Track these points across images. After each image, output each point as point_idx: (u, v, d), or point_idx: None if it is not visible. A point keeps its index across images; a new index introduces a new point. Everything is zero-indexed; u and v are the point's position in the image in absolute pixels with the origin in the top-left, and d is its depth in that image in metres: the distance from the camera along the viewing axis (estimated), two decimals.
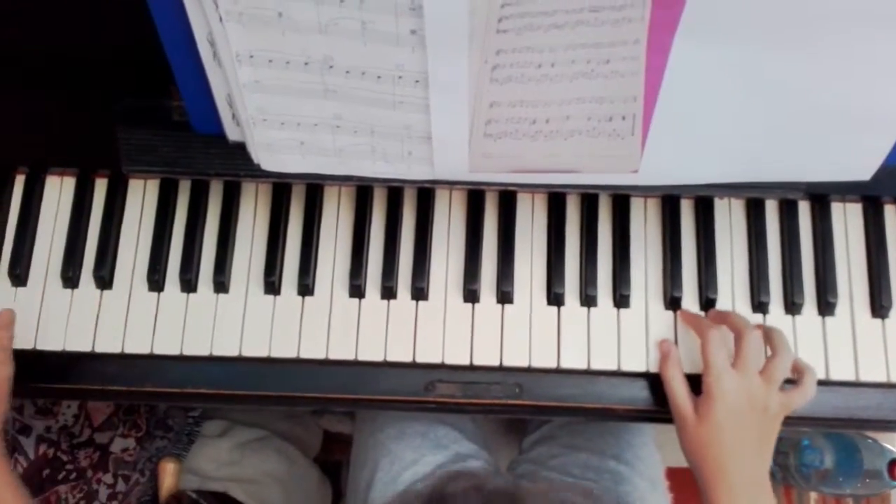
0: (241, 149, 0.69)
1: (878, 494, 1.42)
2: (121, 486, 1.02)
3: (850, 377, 0.77)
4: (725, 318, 0.75)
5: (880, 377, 0.77)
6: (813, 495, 1.52)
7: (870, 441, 1.29)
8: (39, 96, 0.79)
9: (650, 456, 0.94)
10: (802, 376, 0.73)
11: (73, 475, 1.03)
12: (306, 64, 0.59)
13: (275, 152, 0.67)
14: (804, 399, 0.72)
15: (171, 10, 0.58)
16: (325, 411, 1.36)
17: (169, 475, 1.01)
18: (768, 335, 0.74)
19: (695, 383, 0.74)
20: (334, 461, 1.47)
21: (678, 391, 0.73)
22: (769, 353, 0.74)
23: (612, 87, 0.59)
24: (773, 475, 1.50)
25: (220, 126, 0.68)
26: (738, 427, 0.70)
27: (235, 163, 0.70)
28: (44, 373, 0.77)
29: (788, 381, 0.73)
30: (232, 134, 0.69)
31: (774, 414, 0.71)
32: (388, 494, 0.89)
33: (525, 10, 0.54)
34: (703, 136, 0.64)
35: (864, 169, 0.66)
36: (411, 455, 0.90)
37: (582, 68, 0.58)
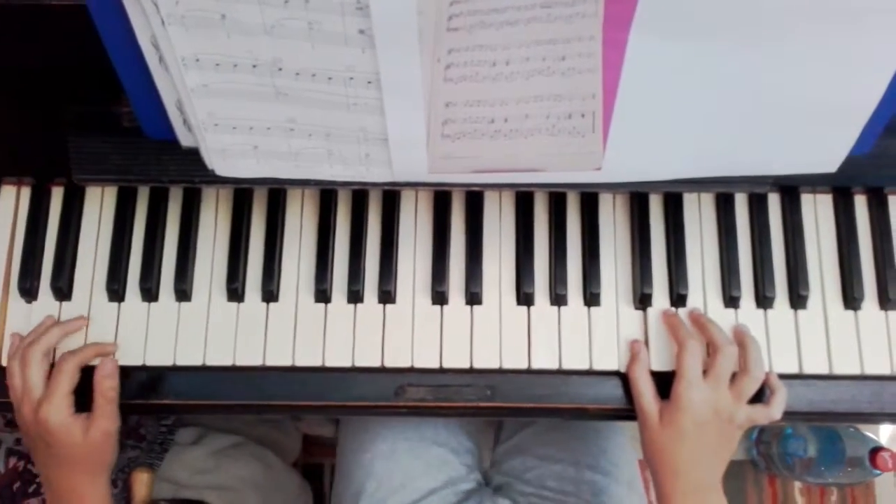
0: (195, 154, 0.67)
1: (861, 483, 1.42)
2: None
3: (824, 370, 0.76)
4: (705, 329, 0.74)
5: (854, 369, 0.76)
6: (797, 484, 1.52)
7: (852, 430, 1.29)
8: None
9: (624, 459, 0.94)
10: (772, 396, 0.73)
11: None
12: (254, 66, 0.57)
13: (228, 157, 0.65)
14: (769, 419, 0.72)
15: (112, 14, 0.56)
16: (300, 416, 1.35)
17: (141, 485, 0.99)
18: (745, 348, 0.74)
19: (662, 381, 0.73)
20: (315, 464, 1.46)
21: (644, 393, 0.73)
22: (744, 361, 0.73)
23: (569, 85, 0.58)
24: (756, 465, 1.50)
25: (172, 132, 0.66)
26: (700, 436, 0.70)
27: (190, 168, 0.69)
28: (5, 386, 0.75)
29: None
30: (185, 139, 0.67)
31: (738, 424, 0.72)
32: None
33: (475, 7, 0.52)
34: (665, 131, 0.62)
35: (829, 161, 0.65)
36: (399, 478, 0.88)
37: (537, 66, 0.56)
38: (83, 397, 0.71)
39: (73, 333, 0.75)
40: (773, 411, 0.72)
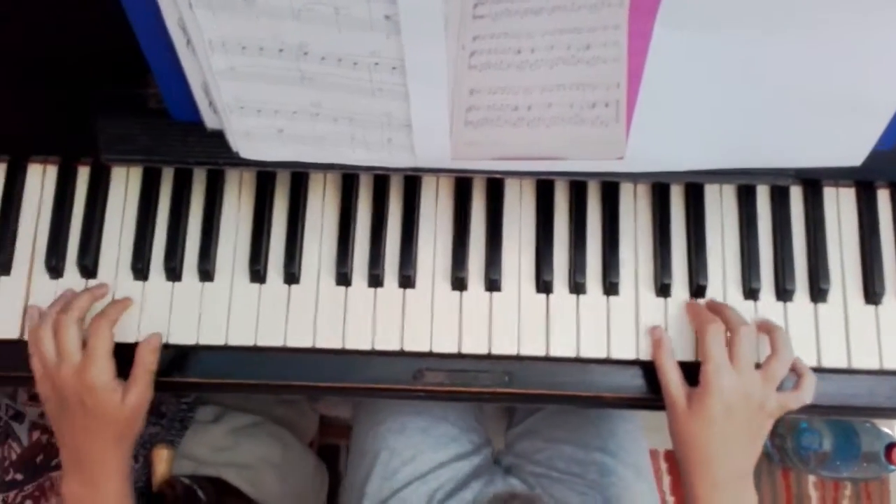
0: (220, 136, 0.68)
1: (877, 478, 1.42)
2: None
3: (843, 364, 0.76)
4: (720, 311, 0.73)
5: (873, 364, 0.76)
6: (811, 478, 1.52)
7: (868, 425, 1.29)
8: (20, 85, 0.78)
9: (634, 444, 0.94)
10: (801, 380, 0.72)
11: None
12: (281, 51, 0.58)
13: (253, 140, 0.66)
14: (800, 403, 0.72)
15: None
16: (318, 397, 1.37)
17: (162, 461, 1.01)
18: (770, 334, 0.73)
19: (685, 371, 0.73)
20: (331, 445, 1.47)
21: (672, 379, 0.72)
22: (768, 350, 0.73)
23: (593, 74, 0.58)
24: (770, 458, 1.50)
25: (197, 113, 0.67)
26: (730, 423, 0.69)
27: (215, 150, 0.69)
28: (25, 360, 0.76)
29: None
30: (210, 121, 0.68)
31: (769, 412, 0.71)
32: (384, 489, 0.89)
33: None
34: (688, 122, 0.62)
35: (854, 155, 0.65)
36: (410, 451, 0.90)
37: (562, 54, 0.56)
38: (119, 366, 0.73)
39: (100, 300, 0.77)
40: (803, 395, 0.71)
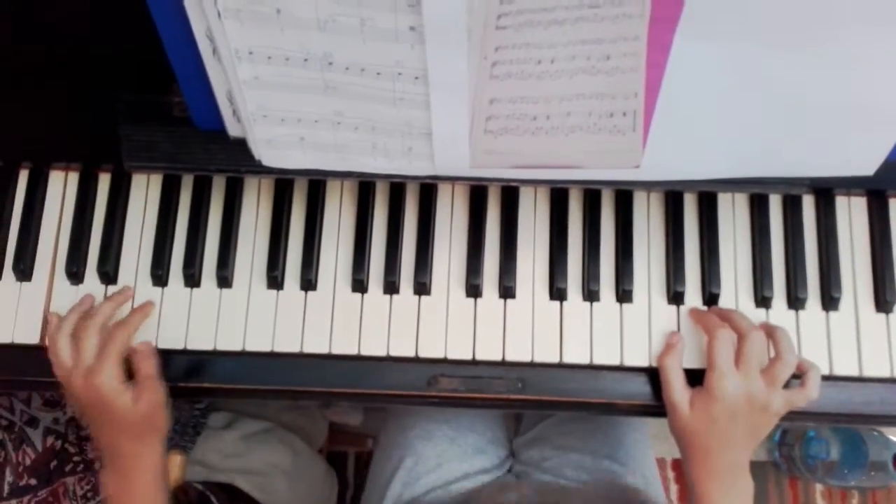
0: (242, 144, 0.69)
1: (884, 487, 1.42)
2: None
3: (854, 372, 0.76)
4: (729, 318, 0.74)
5: (884, 372, 0.76)
6: (818, 487, 1.52)
7: (875, 433, 1.29)
8: (42, 92, 0.79)
9: (642, 452, 0.95)
10: (807, 376, 0.73)
11: (81, 467, 1.04)
12: (306, 60, 0.59)
13: (275, 148, 0.67)
14: (806, 400, 0.72)
15: (169, 5, 0.58)
16: (331, 403, 1.37)
17: (175, 467, 1.01)
18: (773, 336, 0.74)
19: (692, 379, 0.74)
20: (339, 453, 1.48)
21: (675, 382, 0.73)
22: (773, 352, 0.74)
23: (612, 84, 0.59)
24: (778, 467, 1.50)
25: (221, 122, 0.68)
26: (732, 423, 0.70)
27: (237, 158, 0.71)
28: (49, 367, 0.77)
29: (794, 377, 0.73)
30: (233, 130, 0.69)
31: (775, 411, 0.71)
32: (404, 494, 0.90)
33: (524, 6, 0.53)
34: (704, 132, 0.63)
35: (867, 164, 0.66)
36: (436, 459, 0.91)
37: (582, 64, 0.57)
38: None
39: (122, 305, 0.78)
40: (809, 392, 0.72)
